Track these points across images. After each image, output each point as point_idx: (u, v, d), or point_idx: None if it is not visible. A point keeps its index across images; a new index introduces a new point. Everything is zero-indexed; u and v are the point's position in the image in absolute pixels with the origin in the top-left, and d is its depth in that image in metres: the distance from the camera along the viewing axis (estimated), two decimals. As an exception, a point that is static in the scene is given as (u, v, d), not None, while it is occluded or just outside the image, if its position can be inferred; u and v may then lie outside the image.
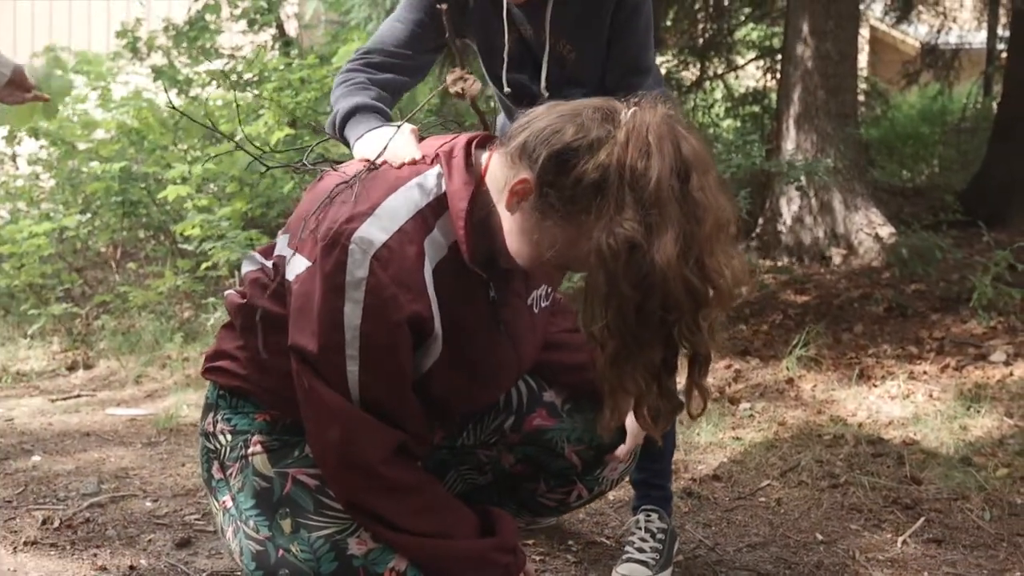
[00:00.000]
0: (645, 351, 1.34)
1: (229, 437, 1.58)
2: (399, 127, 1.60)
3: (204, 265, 4.73)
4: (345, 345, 1.40)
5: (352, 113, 1.78)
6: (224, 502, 1.58)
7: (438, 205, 1.45)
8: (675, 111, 1.36)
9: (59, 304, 4.98)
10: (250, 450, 1.56)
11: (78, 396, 3.91)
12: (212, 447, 1.61)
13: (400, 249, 1.40)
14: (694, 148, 1.32)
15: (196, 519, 2.47)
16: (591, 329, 1.35)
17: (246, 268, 1.63)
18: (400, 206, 1.42)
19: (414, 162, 1.49)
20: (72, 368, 4.37)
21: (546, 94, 2.01)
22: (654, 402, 1.39)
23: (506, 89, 2.05)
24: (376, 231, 1.39)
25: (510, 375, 1.65)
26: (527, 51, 2.04)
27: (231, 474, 1.57)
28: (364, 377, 1.41)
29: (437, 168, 1.48)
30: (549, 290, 1.69)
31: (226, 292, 1.68)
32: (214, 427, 1.60)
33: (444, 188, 1.46)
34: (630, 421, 1.75)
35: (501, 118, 2.27)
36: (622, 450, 1.79)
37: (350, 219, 1.40)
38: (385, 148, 1.54)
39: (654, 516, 2.19)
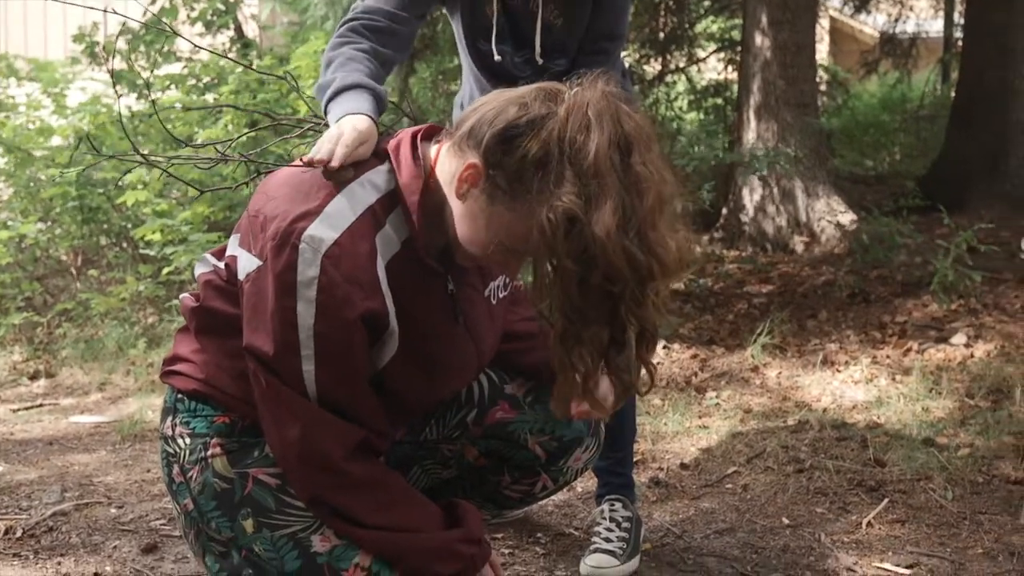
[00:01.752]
0: (591, 328, 1.34)
1: (188, 440, 1.57)
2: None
3: (166, 270, 4.69)
4: (300, 345, 1.39)
5: (348, 88, 1.66)
6: (185, 504, 1.57)
7: (389, 201, 1.45)
8: (617, 88, 1.36)
9: (19, 313, 4.91)
10: (209, 452, 1.55)
11: (41, 405, 3.86)
12: (171, 451, 1.60)
13: (351, 246, 1.39)
14: (636, 123, 1.33)
15: (162, 524, 2.45)
16: (539, 308, 1.35)
17: (199, 270, 1.62)
18: (350, 204, 1.42)
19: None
20: (34, 377, 4.32)
21: (541, 61, 2.02)
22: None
23: (496, 58, 2.04)
24: (326, 229, 1.38)
25: (470, 368, 1.65)
26: (510, 21, 2.04)
27: (191, 477, 1.56)
28: (321, 376, 1.41)
29: (386, 165, 1.47)
30: (507, 280, 1.69)
31: (181, 296, 1.67)
32: (173, 431, 1.59)
33: (393, 184, 1.45)
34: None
35: (459, 98, 2.26)
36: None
37: (299, 217, 1.39)
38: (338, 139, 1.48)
39: (618, 505, 2.20)
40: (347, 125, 1.51)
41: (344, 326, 1.39)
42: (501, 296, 1.68)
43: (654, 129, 1.37)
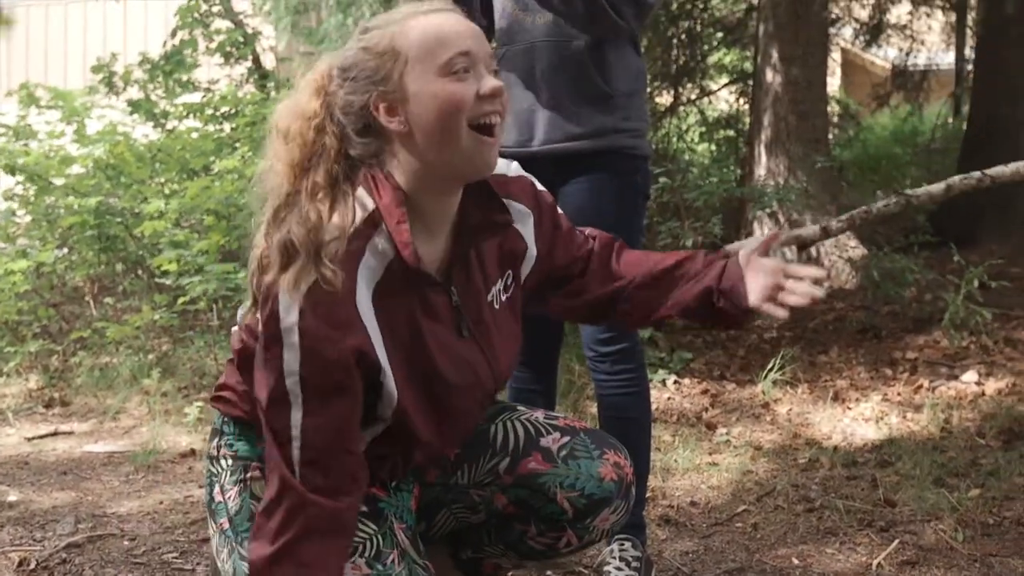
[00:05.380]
0: None
1: (231, 462, 1.63)
2: None
3: (181, 300, 4.73)
4: (288, 392, 1.40)
5: None
6: (221, 524, 1.61)
7: (365, 227, 1.45)
8: None
9: (35, 340, 4.95)
10: (249, 475, 1.60)
11: (55, 433, 3.89)
12: (215, 471, 1.65)
13: (325, 293, 1.39)
14: None
15: (174, 558, 2.47)
16: None
17: (241, 311, 1.64)
18: None
19: None
20: (49, 405, 4.35)
21: None
22: None
23: None
24: (298, 284, 1.38)
25: (483, 383, 1.63)
26: None
27: (230, 497, 1.61)
28: (307, 422, 1.41)
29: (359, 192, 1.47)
30: (510, 281, 1.68)
31: (232, 328, 1.71)
32: (218, 451, 1.65)
33: (370, 207, 1.46)
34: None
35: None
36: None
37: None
38: None
39: (628, 545, 2.20)
40: None
41: (328, 367, 1.40)
42: (504, 299, 1.67)
43: None
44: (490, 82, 1.46)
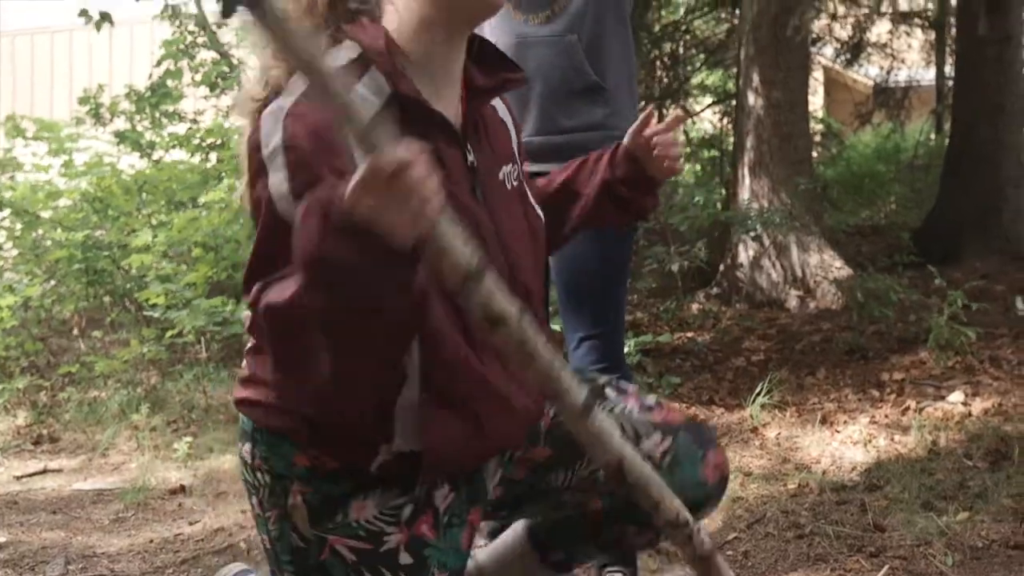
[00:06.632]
0: None
1: (268, 479, 1.46)
2: None
3: (169, 333, 4.73)
4: (281, 217, 1.27)
5: None
6: (264, 540, 1.51)
7: (356, 67, 1.34)
8: None
9: (23, 376, 4.94)
10: (290, 501, 1.44)
11: (44, 471, 3.88)
12: (252, 481, 1.49)
13: (315, 105, 1.26)
14: None
15: (165, 598, 2.47)
16: None
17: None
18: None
19: None
20: (38, 442, 4.33)
21: None
22: None
23: None
24: (284, 98, 1.29)
25: (494, 257, 1.41)
26: None
27: (270, 518, 1.47)
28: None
29: (344, 43, 1.38)
30: (517, 170, 1.58)
31: (244, 314, 1.60)
32: (252, 460, 1.48)
33: (357, 51, 1.36)
34: None
35: None
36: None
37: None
38: None
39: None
40: None
41: (319, 181, 1.23)
42: (515, 184, 1.53)
43: None
44: None
